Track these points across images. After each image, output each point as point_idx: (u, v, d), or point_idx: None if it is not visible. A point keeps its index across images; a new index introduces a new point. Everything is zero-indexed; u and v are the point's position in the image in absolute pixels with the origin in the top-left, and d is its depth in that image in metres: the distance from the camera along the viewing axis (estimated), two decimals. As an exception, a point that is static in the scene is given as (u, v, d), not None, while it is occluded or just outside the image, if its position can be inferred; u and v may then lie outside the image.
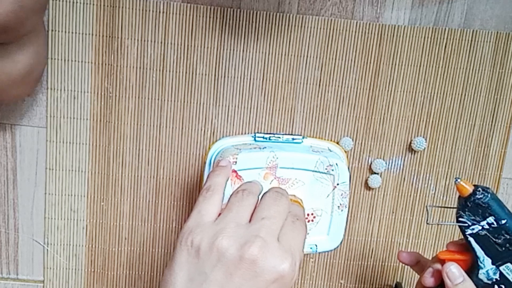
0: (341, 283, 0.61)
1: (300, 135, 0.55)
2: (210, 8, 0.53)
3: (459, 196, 0.44)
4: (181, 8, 0.53)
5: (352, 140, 0.57)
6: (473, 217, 0.43)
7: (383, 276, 0.62)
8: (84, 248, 0.58)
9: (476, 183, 0.44)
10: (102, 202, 0.57)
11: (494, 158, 0.59)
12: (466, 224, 0.43)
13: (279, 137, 0.52)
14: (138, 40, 0.53)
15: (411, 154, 0.58)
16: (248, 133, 0.56)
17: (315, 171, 0.48)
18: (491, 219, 0.43)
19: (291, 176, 0.48)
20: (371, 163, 0.58)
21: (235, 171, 0.47)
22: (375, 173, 0.58)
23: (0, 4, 0.41)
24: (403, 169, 0.59)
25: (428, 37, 0.56)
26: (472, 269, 0.45)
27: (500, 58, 0.57)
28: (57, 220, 0.57)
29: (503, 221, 0.43)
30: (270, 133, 0.54)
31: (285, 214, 0.39)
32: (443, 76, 0.57)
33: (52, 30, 0.52)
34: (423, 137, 0.58)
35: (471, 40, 0.56)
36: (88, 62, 0.54)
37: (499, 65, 0.57)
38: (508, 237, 0.43)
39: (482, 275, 0.44)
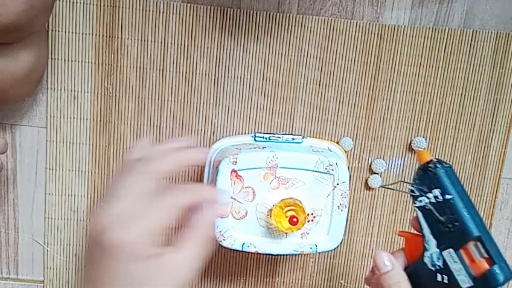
0: (341, 283, 0.61)
1: (300, 135, 0.55)
2: (210, 8, 0.53)
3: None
4: (181, 8, 0.53)
5: (352, 140, 0.57)
6: (421, 187, 0.40)
7: (383, 276, 0.62)
8: (84, 248, 0.58)
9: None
10: (102, 202, 0.57)
11: (494, 158, 0.59)
12: (415, 195, 0.40)
13: (279, 137, 0.52)
14: (138, 40, 0.53)
15: (411, 154, 0.58)
16: (248, 133, 0.56)
17: (315, 171, 0.48)
18: (437, 192, 0.39)
19: (291, 176, 0.48)
20: (371, 163, 0.58)
21: (235, 171, 0.47)
22: (375, 173, 0.58)
23: (12, 4, 0.41)
24: (403, 169, 0.59)
25: (428, 37, 0.56)
26: (421, 251, 0.41)
27: (500, 58, 0.57)
28: (57, 220, 0.57)
29: (448, 196, 0.39)
30: (270, 133, 0.54)
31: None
32: (443, 76, 0.57)
33: (52, 30, 0.52)
34: (423, 137, 0.58)
35: (471, 40, 0.56)
36: (88, 62, 0.54)
37: (499, 65, 0.57)
38: (451, 216, 0.39)
39: (427, 258, 0.40)
